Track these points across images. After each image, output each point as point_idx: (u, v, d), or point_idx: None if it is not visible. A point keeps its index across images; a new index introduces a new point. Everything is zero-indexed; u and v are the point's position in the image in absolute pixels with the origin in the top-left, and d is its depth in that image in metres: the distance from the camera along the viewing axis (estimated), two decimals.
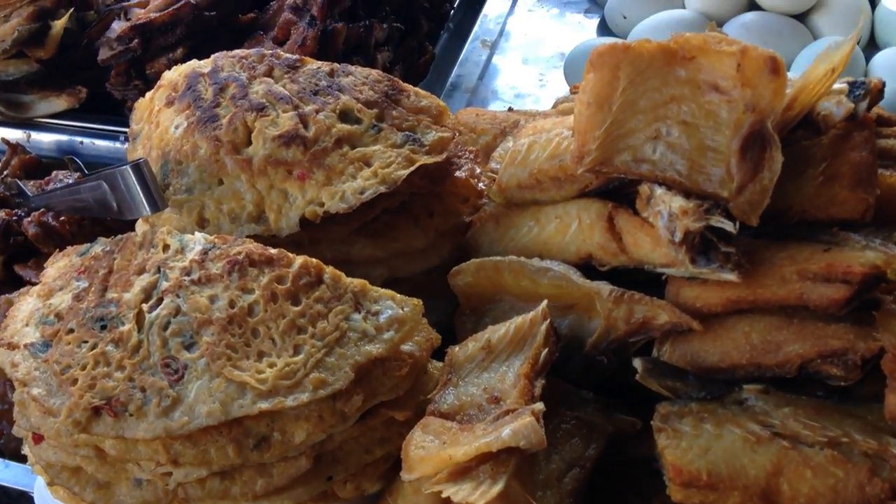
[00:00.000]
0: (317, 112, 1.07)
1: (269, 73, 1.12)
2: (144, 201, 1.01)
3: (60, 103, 1.63)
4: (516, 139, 1.13)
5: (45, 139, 1.65)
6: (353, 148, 1.06)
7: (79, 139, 1.63)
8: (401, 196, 1.07)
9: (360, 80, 1.13)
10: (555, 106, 1.27)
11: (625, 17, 1.61)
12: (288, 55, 1.14)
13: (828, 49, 0.87)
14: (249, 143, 1.06)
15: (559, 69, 1.66)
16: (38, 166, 1.53)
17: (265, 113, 1.07)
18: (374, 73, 1.14)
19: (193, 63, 1.17)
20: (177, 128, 1.09)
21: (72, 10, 1.58)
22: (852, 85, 0.93)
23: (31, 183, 1.43)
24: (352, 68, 1.14)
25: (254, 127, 1.06)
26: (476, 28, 1.84)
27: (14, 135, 1.65)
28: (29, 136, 1.64)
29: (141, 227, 1.08)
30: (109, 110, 1.66)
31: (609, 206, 1.01)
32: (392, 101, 1.11)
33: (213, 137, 1.06)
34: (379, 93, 1.11)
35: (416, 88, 1.15)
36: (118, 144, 1.62)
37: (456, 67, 1.75)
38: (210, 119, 1.08)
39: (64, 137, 1.64)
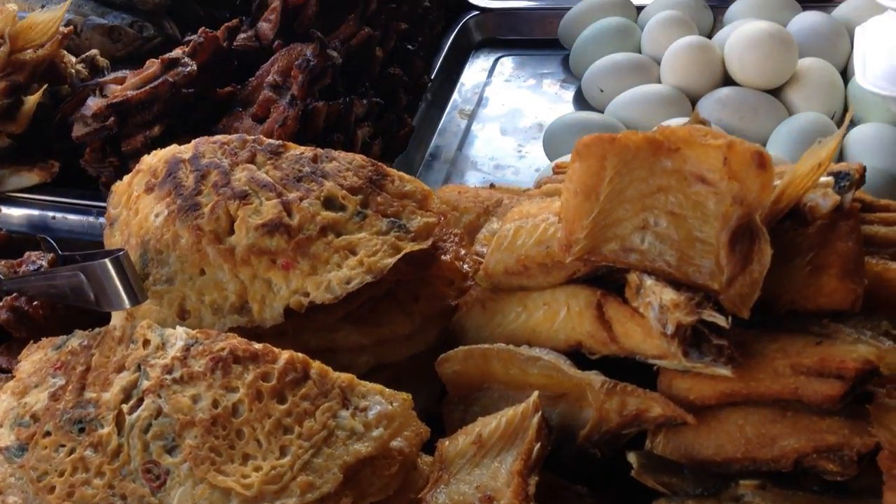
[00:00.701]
0: (301, 199, 1.06)
1: (251, 160, 1.11)
2: (124, 294, 0.99)
3: (32, 177, 1.60)
4: (502, 223, 1.13)
5: (16, 214, 1.61)
6: (339, 236, 1.05)
7: (51, 214, 1.60)
8: (387, 284, 1.05)
9: (344, 165, 1.12)
10: (537, 185, 1.27)
11: (601, 91, 1.63)
12: (271, 141, 1.13)
13: (815, 146, 0.88)
14: (232, 231, 1.04)
15: (538, 140, 1.67)
16: (9, 243, 1.49)
17: (248, 201, 1.06)
18: (358, 159, 1.13)
19: (174, 148, 1.15)
20: (157, 216, 1.07)
21: (45, 86, 1.56)
22: (837, 176, 0.94)
23: (3, 263, 1.39)
24: (335, 153, 1.13)
25: (237, 215, 1.04)
26: (454, 97, 1.85)
27: None
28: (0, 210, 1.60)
29: (119, 319, 1.05)
30: (82, 184, 1.62)
31: (598, 293, 1.00)
32: (376, 187, 1.10)
33: (194, 227, 1.04)
34: (363, 178, 1.10)
35: (400, 173, 1.14)
36: (91, 219, 1.59)
37: (435, 137, 1.76)
38: (191, 208, 1.06)
39: (35, 212, 1.61)
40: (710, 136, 0.93)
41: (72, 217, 1.59)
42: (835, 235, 0.94)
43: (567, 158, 1.44)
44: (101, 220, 1.58)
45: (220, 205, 1.05)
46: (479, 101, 1.83)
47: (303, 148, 1.14)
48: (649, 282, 0.93)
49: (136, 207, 1.12)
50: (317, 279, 1.01)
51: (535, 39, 1.94)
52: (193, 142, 1.15)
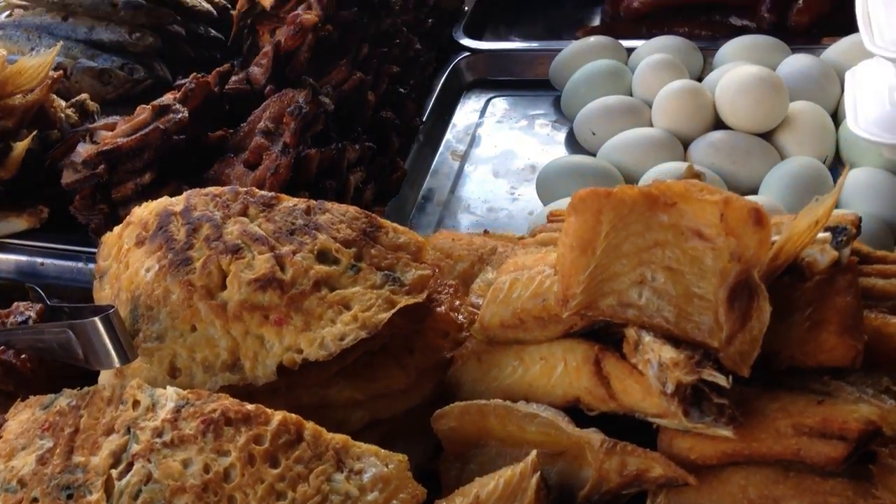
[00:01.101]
0: (294, 253, 1.05)
1: (244, 212, 1.10)
2: (113, 353, 0.97)
3: (21, 223, 1.58)
4: (497, 274, 1.12)
5: (4, 259, 1.59)
6: (332, 290, 1.03)
7: (39, 260, 1.58)
8: (382, 338, 1.04)
9: (338, 217, 1.11)
10: (532, 233, 1.27)
11: (594, 134, 1.63)
12: (263, 193, 1.12)
13: (812, 204, 0.87)
14: (224, 287, 1.03)
15: (530, 182, 1.66)
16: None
17: (240, 255, 1.04)
18: (352, 210, 1.12)
19: (165, 201, 1.14)
20: (147, 271, 1.06)
21: (35, 132, 1.54)
22: (834, 231, 0.93)
23: None
24: (329, 205, 1.12)
25: (229, 270, 1.03)
26: (446, 138, 1.84)
27: None
28: None
29: (108, 377, 1.03)
30: (70, 228, 1.61)
31: (595, 348, 0.99)
32: (370, 239, 1.09)
33: (186, 282, 1.02)
34: (357, 230, 1.09)
35: (394, 224, 1.13)
36: (80, 265, 1.57)
37: (427, 179, 1.75)
38: (183, 262, 1.04)
39: (24, 258, 1.59)
40: (707, 192, 0.93)
41: (60, 263, 1.57)
42: (833, 290, 0.93)
43: (561, 204, 1.44)
44: (91, 265, 1.57)
45: (212, 259, 1.04)
46: (472, 142, 1.82)
47: (296, 200, 1.13)
48: (648, 338, 0.92)
49: (127, 261, 1.10)
50: (310, 335, 1.00)
51: (526, 80, 1.95)
52: (185, 194, 1.14)
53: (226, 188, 1.13)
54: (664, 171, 1.46)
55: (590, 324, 1.00)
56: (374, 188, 1.54)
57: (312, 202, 1.13)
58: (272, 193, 1.13)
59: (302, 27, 1.51)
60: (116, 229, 1.18)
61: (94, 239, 1.49)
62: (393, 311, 1.02)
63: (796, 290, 0.94)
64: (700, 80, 1.70)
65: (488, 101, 1.93)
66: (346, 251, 1.07)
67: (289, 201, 1.13)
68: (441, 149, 1.82)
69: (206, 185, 1.44)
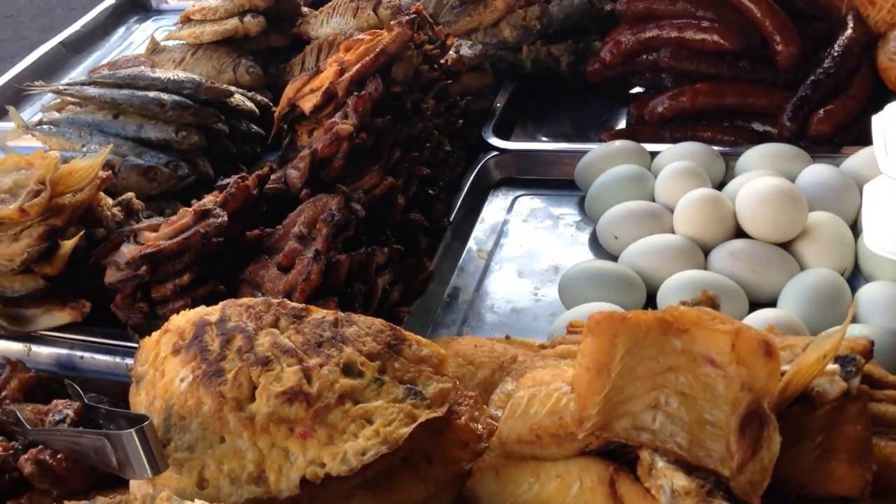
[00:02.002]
0: (321, 366, 1.09)
1: (275, 324, 1.15)
2: (146, 464, 1.01)
3: (63, 317, 1.65)
4: (516, 388, 1.15)
5: (44, 352, 1.66)
6: (356, 403, 1.07)
7: (79, 354, 1.64)
8: (402, 451, 1.07)
9: (364, 330, 1.15)
10: (552, 343, 1.30)
11: (616, 238, 1.67)
12: (294, 305, 1.17)
13: (821, 337, 0.90)
14: (253, 399, 1.07)
15: (553, 284, 1.70)
16: (37, 384, 1.53)
17: (270, 367, 1.09)
18: (377, 323, 1.17)
19: (202, 310, 1.20)
20: (182, 381, 1.11)
21: (83, 232, 1.63)
22: (843, 362, 0.96)
23: (30, 408, 1.43)
24: (356, 317, 1.17)
25: (258, 382, 1.08)
26: (473, 235, 1.90)
27: (14, 348, 1.66)
28: (29, 349, 1.65)
29: (140, 486, 1.08)
30: (110, 324, 1.67)
31: (611, 468, 1.01)
32: (394, 352, 1.14)
33: (217, 394, 1.07)
34: (381, 343, 1.14)
35: (417, 337, 1.17)
36: (117, 359, 1.63)
37: (454, 276, 1.80)
38: (215, 373, 1.09)
39: (63, 351, 1.65)
40: (719, 321, 0.96)
41: (99, 357, 1.63)
42: (843, 419, 0.95)
43: (582, 311, 1.48)
44: (127, 360, 1.63)
45: (243, 371, 1.09)
46: (498, 240, 1.88)
47: (324, 312, 1.18)
48: (661, 463, 0.95)
49: (163, 369, 1.15)
50: (333, 449, 1.03)
51: (552, 180, 2.00)
52: (221, 304, 1.20)
53: (259, 299, 1.19)
54: (684, 279, 1.49)
55: (605, 443, 1.02)
56: (401, 289, 1.59)
57: (340, 314, 1.18)
58: (302, 305, 1.18)
59: (338, 136, 1.59)
60: (155, 335, 1.23)
61: (132, 335, 1.55)
62: (413, 425, 1.06)
63: (806, 419, 0.96)
64: (722, 185, 1.74)
65: (515, 199, 1.99)
66: (370, 364, 1.11)
67: (318, 313, 1.18)
68: (468, 245, 1.87)
69: (241, 286, 1.52)
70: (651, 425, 0.98)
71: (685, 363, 0.97)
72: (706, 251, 1.59)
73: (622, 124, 2.18)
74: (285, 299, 1.21)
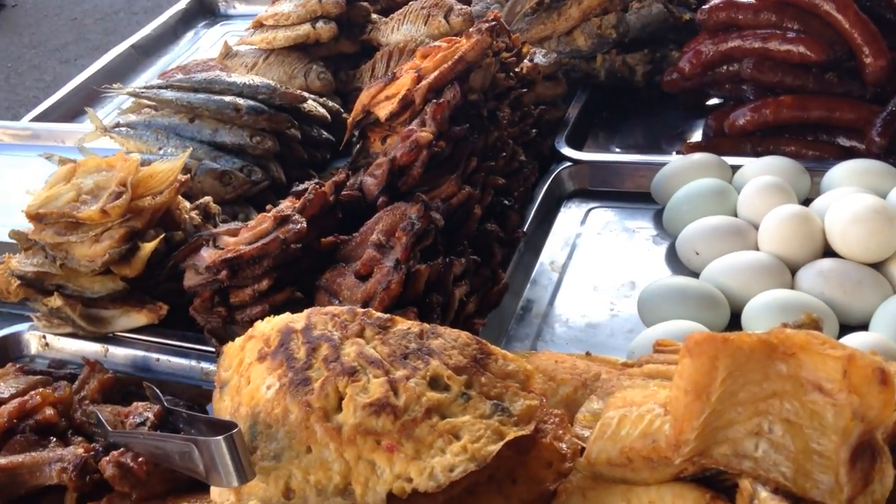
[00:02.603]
0: (407, 378, 1.08)
1: (360, 333, 1.14)
2: (234, 472, 1.01)
3: (140, 318, 1.66)
4: (604, 408, 1.12)
5: (121, 354, 1.68)
6: (443, 418, 1.05)
7: (155, 356, 1.66)
8: (489, 470, 1.05)
9: (450, 343, 1.13)
10: (638, 364, 1.27)
11: (697, 254, 1.63)
12: (379, 315, 1.16)
13: None
14: (340, 409, 1.06)
15: (630, 299, 1.67)
16: (115, 385, 1.55)
17: (356, 378, 1.08)
18: (463, 336, 1.15)
19: (287, 317, 1.19)
20: (268, 388, 1.10)
21: (163, 235, 1.64)
22: None
23: (109, 409, 1.44)
24: (441, 330, 1.15)
25: (345, 393, 1.06)
26: (546, 248, 1.87)
27: (91, 349, 1.68)
28: (106, 350, 1.67)
29: (221, 493, 1.07)
30: (184, 325, 1.68)
31: (707, 496, 0.98)
32: (480, 366, 1.12)
33: (304, 402, 1.06)
34: (468, 357, 1.12)
35: (503, 351, 1.15)
36: (192, 363, 1.64)
37: (527, 289, 1.77)
38: (302, 382, 1.08)
39: (139, 353, 1.67)
40: (829, 346, 0.92)
41: (174, 360, 1.65)
42: None
43: (664, 329, 1.44)
44: (202, 364, 1.64)
45: (330, 381, 1.08)
46: (571, 253, 1.84)
47: (409, 323, 1.16)
48: (764, 494, 0.91)
49: (248, 375, 1.15)
50: (420, 464, 1.02)
51: (627, 192, 1.97)
52: (306, 312, 1.19)
53: (344, 308, 1.18)
54: (772, 298, 1.45)
55: (702, 470, 0.99)
56: (477, 300, 1.57)
57: (426, 326, 1.16)
58: (387, 316, 1.17)
59: (417, 144, 1.58)
60: (238, 341, 1.23)
61: (208, 339, 1.56)
62: (502, 443, 1.03)
63: None
64: (807, 202, 1.69)
65: (588, 211, 1.96)
66: (457, 378, 1.09)
67: (403, 324, 1.16)
68: (541, 258, 1.85)
69: (318, 293, 1.51)
70: (753, 453, 0.94)
71: (791, 389, 0.93)
72: (793, 270, 1.54)
73: (697, 136, 2.13)
74: (370, 309, 1.20)
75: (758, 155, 1.88)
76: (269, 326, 1.20)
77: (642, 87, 2.23)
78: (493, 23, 1.85)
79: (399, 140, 1.68)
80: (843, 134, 1.86)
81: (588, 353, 1.39)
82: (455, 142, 1.68)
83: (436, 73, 1.76)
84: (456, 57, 1.76)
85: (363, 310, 1.18)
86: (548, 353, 1.38)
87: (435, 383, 1.09)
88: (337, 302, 1.47)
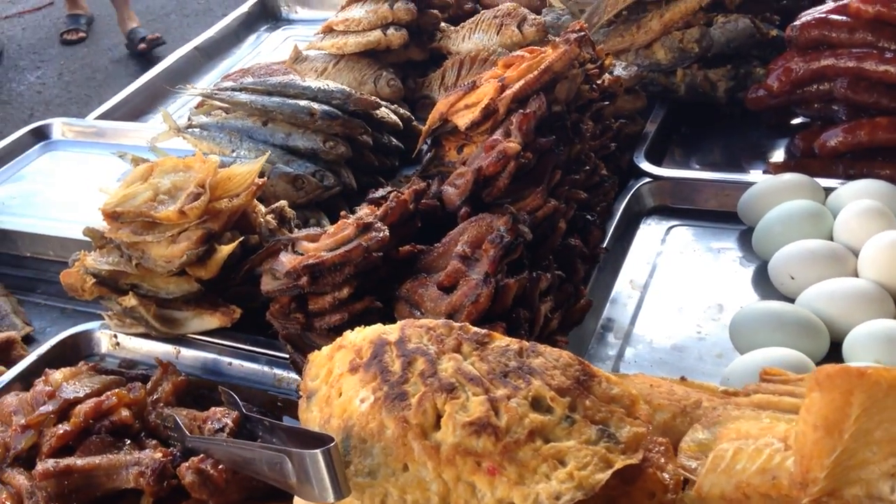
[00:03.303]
0: (508, 398, 1.03)
1: (457, 349, 1.09)
2: (329, 487, 0.96)
3: (213, 321, 1.64)
4: (716, 439, 1.06)
5: (192, 356, 1.65)
6: (547, 442, 1.00)
7: (227, 360, 1.63)
8: (595, 501, 0.99)
9: (551, 362, 1.08)
10: (745, 393, 1.20)
11: (792, 278, 1.56)
12: (476, 330, 1.12)
13: None
14: (438, 427, 1.01)
15: (717, 322, 1.61)
16: (187, 388, 1.52)
17: (455, 395, 1.03)
18: (565, 356, 1.09)
19: (379, 328, 1.15)
20: (362, 401, 1.06)
21: (241, 238, 1.61)
22: None
23: (185, 413, 1.41)
24: (541, 348, 1.10)
25: (443, 410, 1.02)
26: (625, 265, 1.81)
27: (162, 349, 1.66)
28: (178, 352, 1.65)
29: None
30: (256, 330, 1.65)
31: None
32: (584, 389, 1.06)
33: (401, 418, 1.02)
34: (571, 378, 1.07)
35: (607, 374, 1.10)
36: (264, 368, 1.61)
37: (607, 308, 1.71)
38: (398, 397, 1.04)
39: (210, 356, 1.64)
40: None
41: (246, 364, 1.61)
42: None
43: (765, 356, 1.37)
44: (274, 370, 1.61)
45: (428, 397, 1.03)
46: (652, 272, 1.78)
47: (508, 340, 1.11)
48: None
49: (339, 387, 1.11)
50: (524, 490, 0.96)
51: (709, 211, 1.90)
52: (399, 324, 1.15)
53: (440, 321, 1.13)
54: (878, 329, 1.37)
55: None
56: (560, 317, 1.52)
57: (525, 343, 1.11)
58: (485, 331, 1.12)
59: (505, 155, 1.53)
60: (326, 350, 1.19)
61: (284, 345, 1.52)
62: (609, 471, 0.98)
63: None
64: None
65: (669, 229, 1.89)
66: (560, 400, 1.04)
67: (501, 340, 1.12)
68: (620, 276, 1.79)
69: (398, 303, 1.47)
70: (889, 496, 0.88)
71: None
72: None
73: (780, 155, 2.07)
74: (467, 323, 1.15)
75: (850, 177, 1.80)
76: (361, 337, 1.15)
77: (724, 103, 2.16)
78: (581, 33, 1.80)
79: (482, 150, 1.64)
80: None
81: (683, 378, 1.32)
82: (540, 154, 1.63)
83: (521, 82, 1.72)
84: (542, 67, 1.72)
85: (459, 324, 1.13)
86: (642, 376, 1.32)
87: (537, 404, 1.03)
88: (419, 313, 1.42)
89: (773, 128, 2.11)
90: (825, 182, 1.79)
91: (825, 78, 1.90)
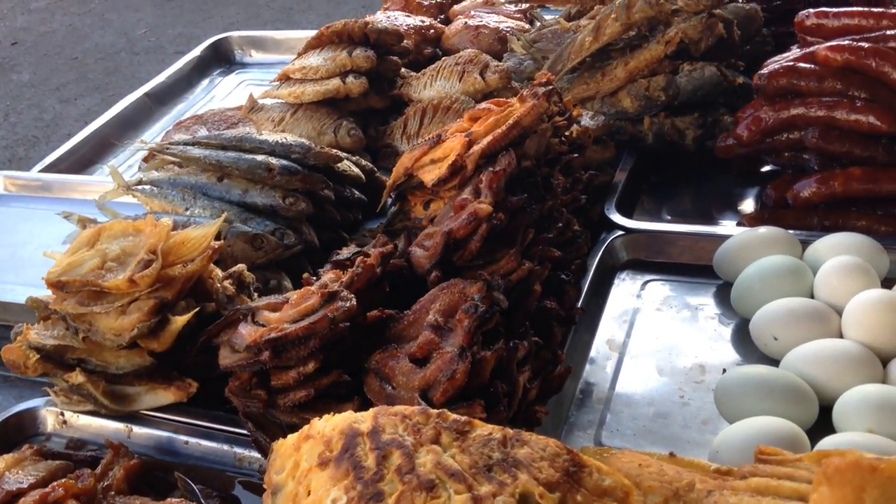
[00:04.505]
0: (493, 496, 0.95)
1: (436, 439, 1.01)
2: None
3: (168, 396, 1.53)
4: None
5: (145, 434, 1.54)
6: None
7: (183, 438, 1.51)
8: None
9: (538, 452, 1.00)
10: (741, 473, 1.13)
11: (776, 339, 1.51)
12: (456, 418, 1.03)
13: None
14: None
15: (700, 385, 1.55)
16: (141, 472, 1.41)
17: (436, 493, 0.95)
18: (552, 445, 1.02)
19: (349, 417, 1.06)
20: (334, 502, 0.97)
21: (197, 309, 1.51)
22: None
23: (138, 502, 1.30)
24: (526, 436, 1.02)
25: None
26: (602, 324, 1.75)
27: (113, 428, 1.54)
28: (130, 430, 1.53)
29: None
30: (213, 404, 1.55)
31: None
32: (574, 482, 0.99)
33: None
34: (559, 470, 0.99)
35: (597, 463, 1.02)
36: (224, 446, 1.50)
37: (585, 370, 1.64)
38: (374, 497, 0.95)
39: (165, 434, 1.53)
40: None
41: (204, 443, 1.51)
42: None
43: (750, 425, 1.31)
44: (236, 449, 1.50)
45: (406, 497, 0.94)
46: (629, 331, 1.72)
47: (490, 428, 1.03)
48: None
49: (308, 484, 1.01)
50: None
51: (685, 265, 1.85)
52: (372, 412, 1.06)
53: (416, 409, 1.05)
54: (868, 394, 1.32)
55: None
56: (538, 386, 1.44)
57: (508, 431, 1.03)
58: (465, 419, 1.04)
59: (476, 217, 1.46)
60: (291, 439, 1.10)
61: (244, 422, 1.42)
62: None
63: None
64: (885, 282, 1.58)
65: (645, 283, 1.84)
66: (549, 496, 0.96)
67: (483, 428, 1.03)
68: (597, 336, 1.72)
69: (368, 376, 1.38)
70: None
71: None
72: (884, 361, 1.42)
73: (751, 204, 2.04)
74: (445, 410, 1.07)
75: (825, 229, 1.77)
76: (330, 427, 1.06)
77: (692, 151, 2.13)
78: (549, 86, 1.75)
79: (451, 209, 1.56)
80: None
81: (672, 454, 1.25)
82: (512, 213, 1.56)
83: (489, 137, 1.65)
84: (511, 122, 1.66)
85: (436, 411, 1.05)
86: (629, 453, 1.24)
87: (525, 502, 0.95)
88: (390, 388, 1.33)
89: (744, 176, 2.09)
90: (804, 234, 1.76)
91: (795, 127, 1.88)
